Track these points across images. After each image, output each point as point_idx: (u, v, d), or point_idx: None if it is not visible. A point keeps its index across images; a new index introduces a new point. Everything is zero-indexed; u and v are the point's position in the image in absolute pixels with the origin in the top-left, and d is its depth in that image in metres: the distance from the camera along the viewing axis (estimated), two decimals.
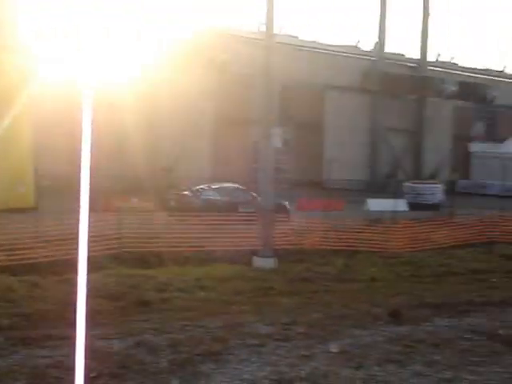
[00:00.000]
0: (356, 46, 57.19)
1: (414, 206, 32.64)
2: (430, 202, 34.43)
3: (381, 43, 54.91)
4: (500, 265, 16.47)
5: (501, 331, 9.12)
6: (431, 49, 58.06)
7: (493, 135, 62.37)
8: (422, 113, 56.64)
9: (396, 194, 26.48)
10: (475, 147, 60.32)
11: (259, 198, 25.53)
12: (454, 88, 53.13)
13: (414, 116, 56.75)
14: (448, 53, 62.29)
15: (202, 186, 27.41)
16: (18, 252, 14.71)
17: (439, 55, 60.54)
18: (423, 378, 7.03)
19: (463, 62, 61.53)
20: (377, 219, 20.76)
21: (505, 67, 65.26)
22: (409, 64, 57.64)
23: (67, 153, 28.67)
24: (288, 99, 48.90)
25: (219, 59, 44.10)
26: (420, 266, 15.79)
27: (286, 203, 26.07)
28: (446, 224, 20.71)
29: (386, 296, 11.75)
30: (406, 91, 55.44)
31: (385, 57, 55.06)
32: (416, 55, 57.49)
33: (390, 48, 56.43)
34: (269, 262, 14.89)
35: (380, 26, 55.07)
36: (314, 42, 53.83)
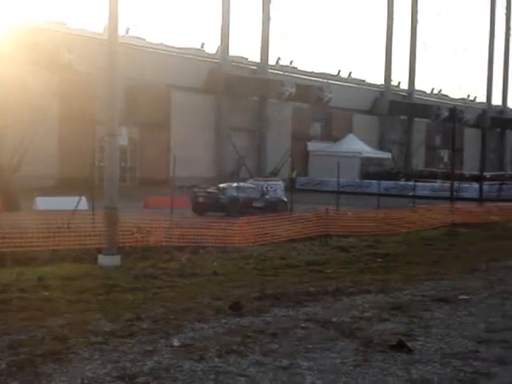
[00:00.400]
0: (201, 49, 57.92)
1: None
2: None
3: (224, 46, 55.91)
4: (335, 256, 17.29)
5: (334, 319, 9.68)
6: (272, 52, 59.79)
7: (329, 135, 65.32)
8: (264, 113, 58.28)
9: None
10: (312, 146, 62.86)
11: (267, 196, 31.28)
12: (292, 90, 55.07)
13: (256, 116, 58.28)
14: (288, 56, 64.35)
15: (223, 185, 31.08)
16: None
17: (279, 59, 62.61)
18: (262, 367, 7.35)
19: (302, 65, 63.84)
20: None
21: (340, 71, 68.44)
22: (251, 67, 59.19)
23: None
24: (134, 99, 48.68)
25: (64, 58, 43.29)
26: (261, 259, 16.27)
27: (285, 199, 30.43)
28: (286, 219, 21.52)
29: (228, 289, 12.07)
30: (248, 93, 56.90)
31: (228, 59, 56.22)
32: (258, 58, 59.06)
33: (234, 51, 57.69)
34: (114, 260, 14.84)
35: (222, 30, 56.07)
36: (161, 43, 54.04)
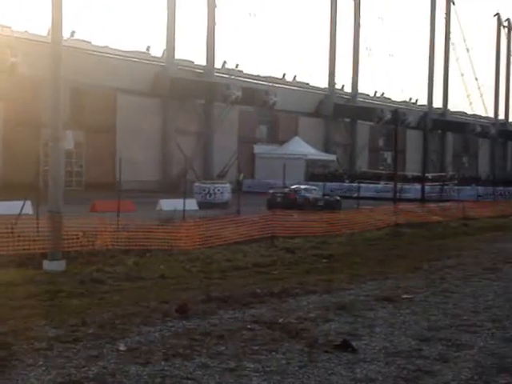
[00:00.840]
0: (147, 52, 57.69)
1: (203, 205, 33.60)
2: (219, 201, 35.67)
3: (169, 49, 55.80)
4: (281, 258, 17.39)
5: (280, 320, 9.78)
6: (218, 56, 59.99)
7: (275, 137, 65.77)
8: (210, 116, 58.32)
9: (186, 193, 27.03)
10: (259, 149, 63.20)
11: (326, 196, 36.39)
12: (238, 93, 55.29)
13: (202, 119, 58.26)
14: (234, 60, 64.60)
15: (294, 187, 36.46)
16: None
17: (225, 62, 62.79)
18: (208, 370, 7.40)
19: (247, 69, 64.21)
20: (168, 219, 21.08)
21: (285, 74, 68.97)
22: (197, 70, 59.20)
23: None
24: (80, 102, 48.22)
25: (8, 61, 42.68)
26: (208, 262, 16.26)
27: (339, 198, 35.28)
28: (233, 221, 21.55)
29: (174, 292, 12.05)
30: (194, 96, 56.90)
31: (174, 62, 56.13)
32: (204, 62, 59.11)
33: (180, 54, 57.65)
34: (59, 265, 14.64)
35: (168, 33, 55.97)
36: (107, 46, 53.61)
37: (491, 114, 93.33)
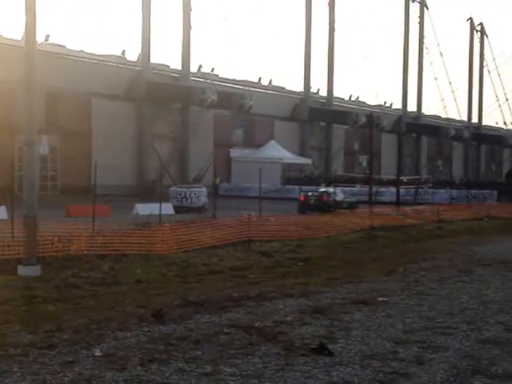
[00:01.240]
0: (122, 56, 57.51)
1: (180, 209, 33.54)
2: (195, 205, 35.63)
3: (145, 53, 55.69)
4: (258, 261, 17.40)
5: (257, 324, 9.78)
6: (194, 60, 59.96)
7: (251, 141, 65.90)
8: (186, 120, 58.28)
9: (163, 198, 26.94)
10: (235, 153, 63.27)
11: (348, 199, 39.57)
12: (214, 97, 55.31)
13: (178, 123, 58.17)
14: (209, 64, 64.69)
15: (324, 189, 39.74)
16: None
17: (201, 66, 62.81)
18: (184, 374, 7.38)
19: (223, 73, 64.27)
20: (144, 223, 21.01)
21: (260, 78, 69.15)
22: (173, 74, 59.14)
23: None
24: (55, 107, 47.90)
25: None
26: (184, 266, 16.23)
27: (356, 200, 39.11)
28: (209, 225, 21.52)
29: (151, 297, 12.00)
30: (170, 100, 56.81)
31: (150, 66, 56.01)
32: (180, 66, 59.07)
33: (155, 58, 57.54)
34: (34, 270, 14.53)
35: (143, 37, 55.86)
36: (82, 51, 53.36)
37: (465, 118, 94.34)
